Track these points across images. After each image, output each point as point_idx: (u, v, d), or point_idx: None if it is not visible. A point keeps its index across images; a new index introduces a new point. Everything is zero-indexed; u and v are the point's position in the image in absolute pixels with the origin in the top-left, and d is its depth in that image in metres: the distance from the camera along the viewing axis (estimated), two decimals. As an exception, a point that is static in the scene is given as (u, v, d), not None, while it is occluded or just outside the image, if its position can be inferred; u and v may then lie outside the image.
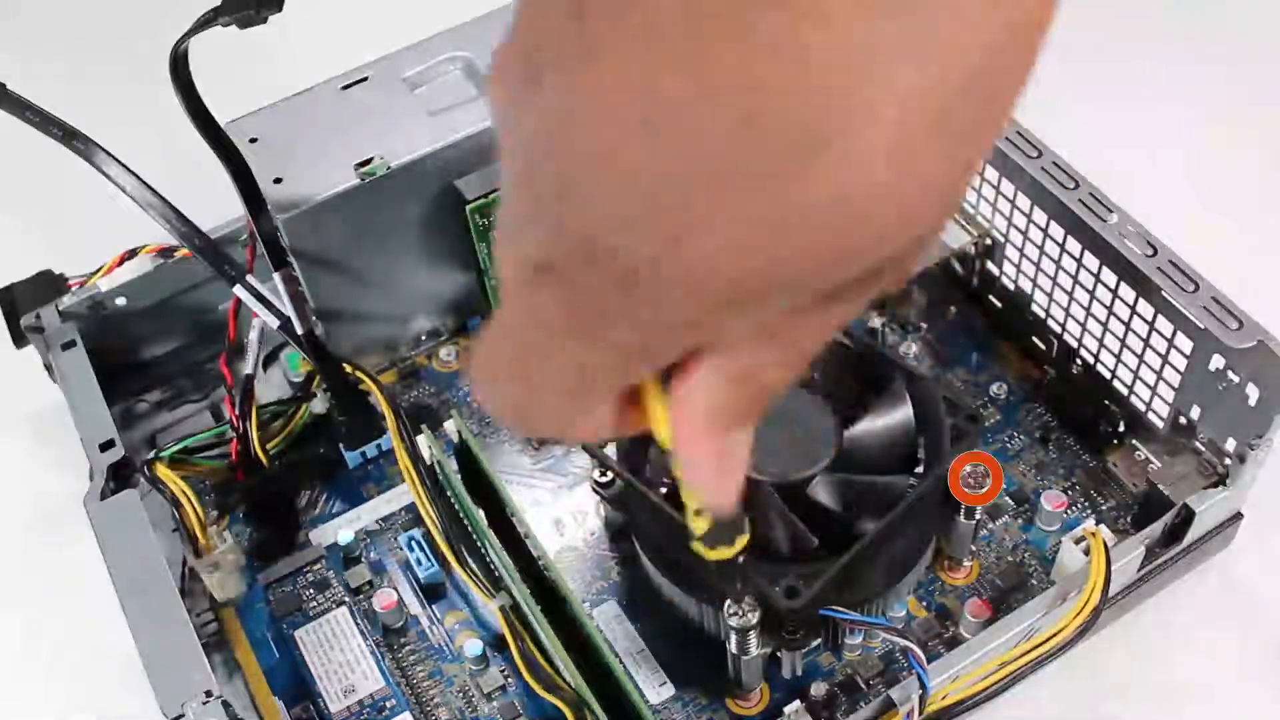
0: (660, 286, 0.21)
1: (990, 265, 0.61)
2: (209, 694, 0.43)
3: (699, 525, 0.35)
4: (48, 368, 0.59)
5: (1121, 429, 0.57)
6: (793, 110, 0.18)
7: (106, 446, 0.53)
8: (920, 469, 0.50)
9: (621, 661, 0.52)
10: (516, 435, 0.28)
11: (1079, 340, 0.57)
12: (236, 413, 0.57)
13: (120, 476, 0.52)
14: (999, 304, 0.62)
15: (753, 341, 0.23)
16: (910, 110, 0.18)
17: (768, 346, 0.24)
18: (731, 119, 0.18)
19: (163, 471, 0.54)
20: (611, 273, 0.21)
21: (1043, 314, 0.59)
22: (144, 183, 0.51)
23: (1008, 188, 0.57)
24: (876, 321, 0.62)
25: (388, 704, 0.53)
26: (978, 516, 0.51)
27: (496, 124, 0.23)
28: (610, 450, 0.52)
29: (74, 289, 0.60)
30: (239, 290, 0.54)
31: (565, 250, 0.22)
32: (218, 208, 0.58)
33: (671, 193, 0.19)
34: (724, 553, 0.36)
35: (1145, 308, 0.52)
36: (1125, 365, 0.55)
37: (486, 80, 0.23)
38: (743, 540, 0.36)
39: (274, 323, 0.55)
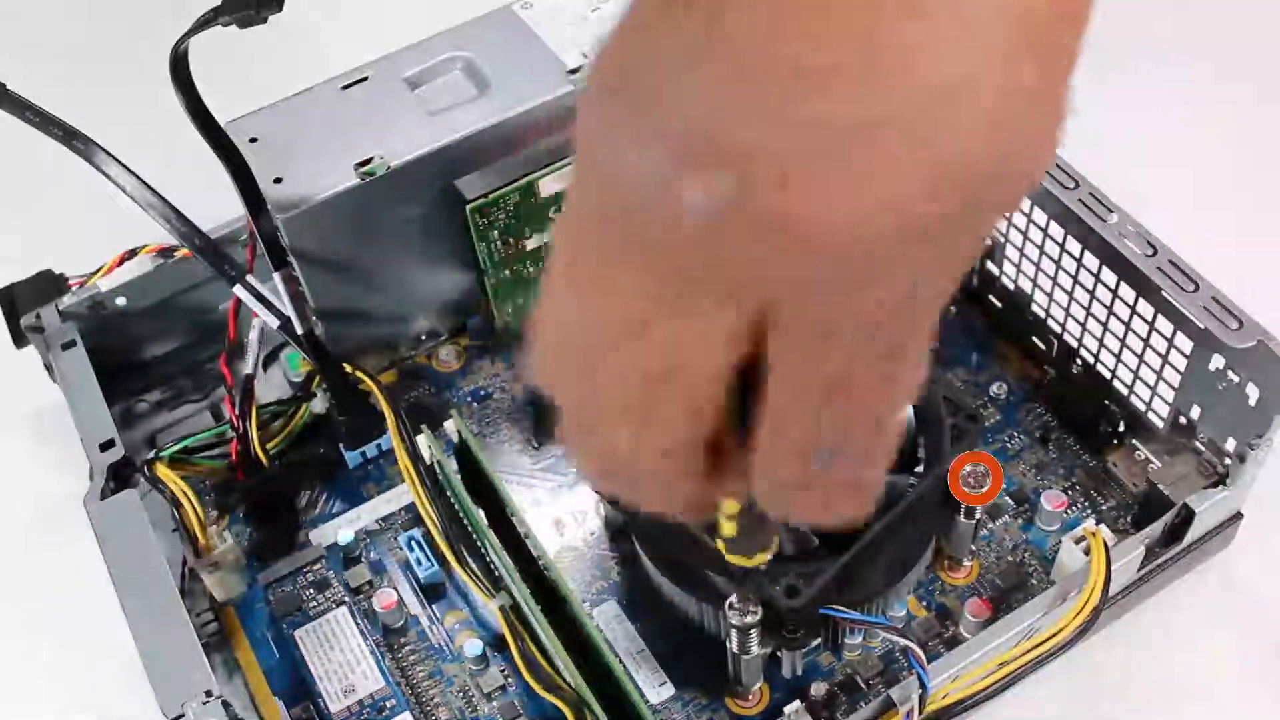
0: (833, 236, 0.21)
1: (990, 265, 0.61)
2: (209, 694, 0.43)
3: (728, 529, 0.35)
4: (48, 368, 0.59)
5: (1121, 429, 0.57)
6: (932, 64, 0.20)
7: (106, 446, 0.53)
8: (920, 469, 0.50)
9: (621, 661, 0.52)
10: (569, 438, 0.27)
11: (1079, 340, 0.57)
12: (236, 413, 0.57)
13: (120, 476, 0.52)
14: (999, 304, 0.62)
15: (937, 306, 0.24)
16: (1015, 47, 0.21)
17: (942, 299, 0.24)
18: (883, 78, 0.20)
19: (163, 471, 0.54)
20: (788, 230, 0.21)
21: (1043, 314, 0.59)
22: (144, 183, 0.51)
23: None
24: (876, 321, 0.62)
25: (388, 704, 0.53)
26: (978, 516, 0.51)
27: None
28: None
29: (74, 289, 0.60)
30: (239, 290, 0.54)
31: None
32: (218, 208, 0.58)
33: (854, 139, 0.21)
34: (761, 558, 0.37)
35: (1145, 308, 0.52)
36: (1125, 365, 0.55)
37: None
38: (774, 546, 0.37)
39: (274, 323, 0.55)
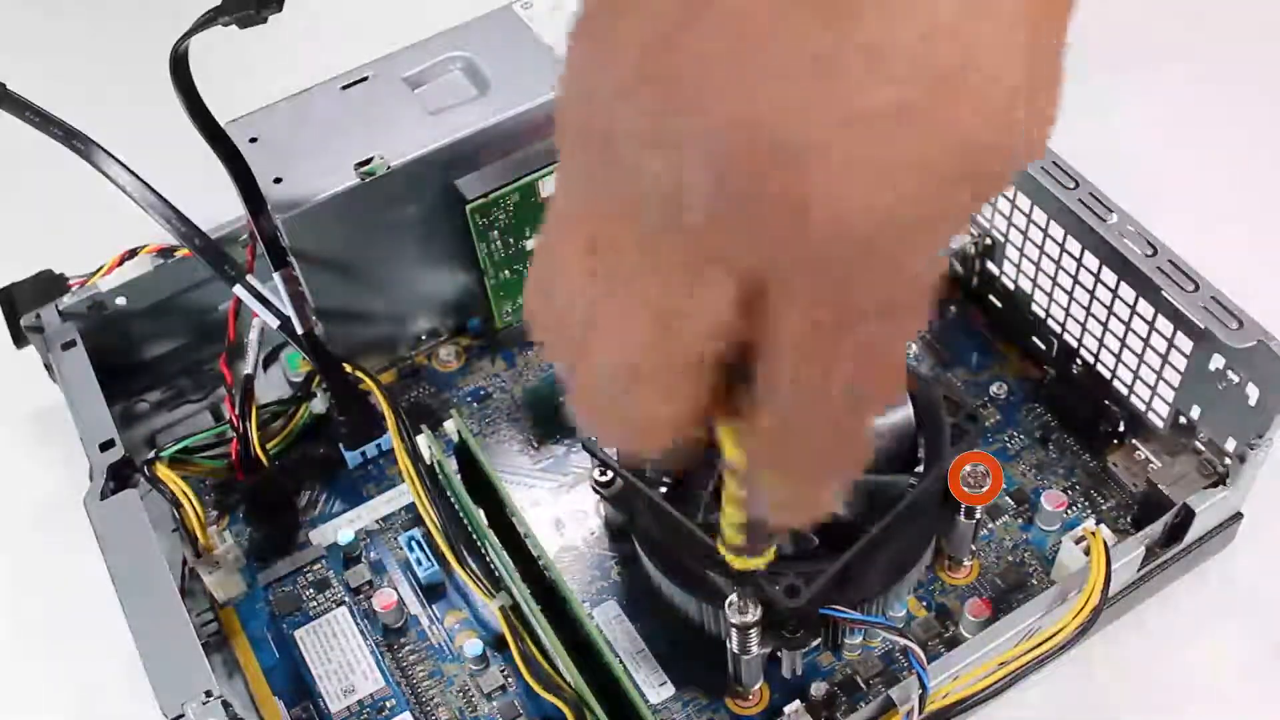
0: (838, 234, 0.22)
1: (990, 265, 0.61)
2: (209, 694, 0.43)
3: (733, 537, 0.35)
4: (48, 368, 0.59)
5: (1121, 429, 0.57)
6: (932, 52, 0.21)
7: (106, 446, 0.53)
8: (920, 469, 0.50)
9: (621, 661, 0.52)
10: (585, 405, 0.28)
11: (1079, 340, 0.57)
12: (236, 413, 0.57)
13: (120, 476, 0.52)
14: (999, 304, 0.62)
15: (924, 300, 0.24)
16: (1017, 23, 0.21)
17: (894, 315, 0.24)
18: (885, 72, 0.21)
19: (163, 471, 0.54)
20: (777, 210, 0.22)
21: (1043, 314, 0.59)
22: (144, 183, 0.51)
23: (1008, 188, 0.57)
24: (876, 321, 0.62)
25: (388, 704, 0.53)
26: (978, 516, 0.51)
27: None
28: (610, 450, 0.52)
29: (74, 289, 0.60)
30: (239, 290, 0.54)
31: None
32: (218, 208, 0.58)
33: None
34: (757, 562, 0.37)
35: (1145, 308, 0.52)
36: (1125, 365, 0.55)
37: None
38: (772, 551, 0.37)
39: (274, 323, 0.55)
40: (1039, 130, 0.23)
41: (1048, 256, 0.57)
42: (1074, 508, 0.56)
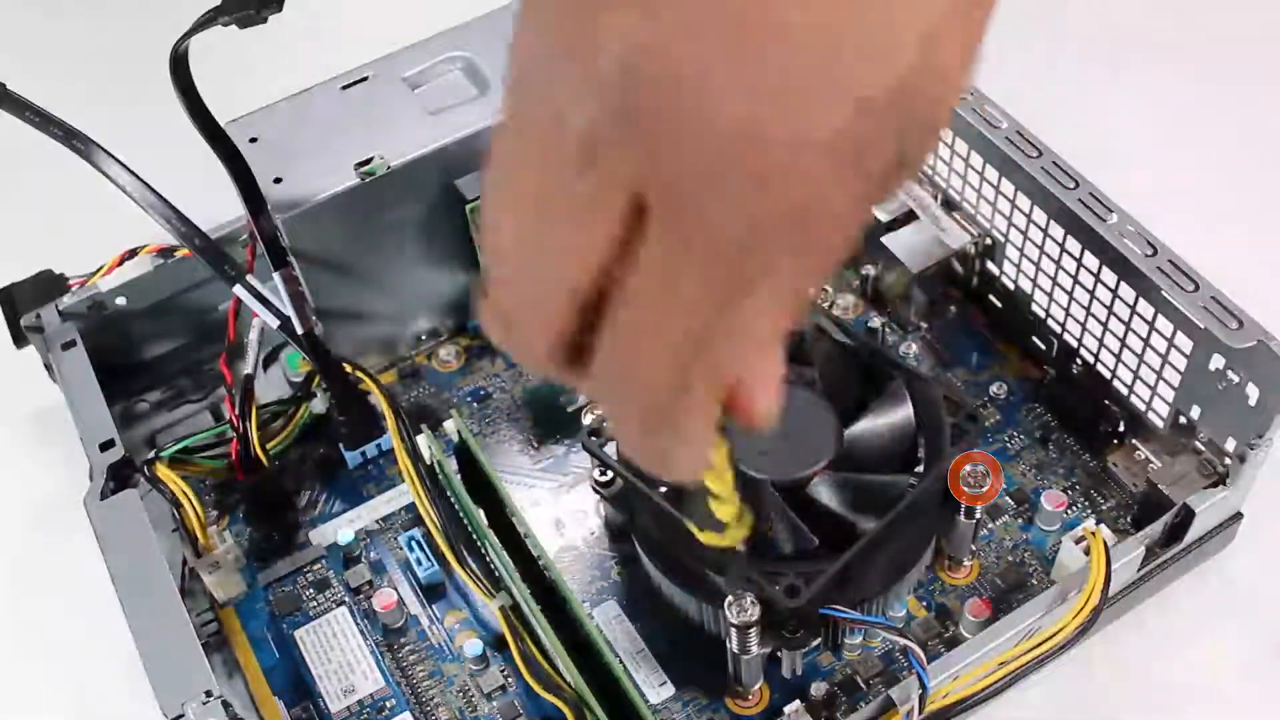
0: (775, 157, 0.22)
1: (990, 265, 0.61)
2: (209, 694, 0.43)
3: (724, 511, 0.35)
4: (48, 368, 0.59)
5: (1121, 429, 0.57)
6: None
7: (106, 446, 0.53)
8: (920, 469, 0.50)
9: (621, 661, 0.52)
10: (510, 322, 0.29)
11: (1079, 340, 0.57)
12: (236, 413, 0.57)
13: (120, 476, 0.52)
14: (999, 304, 0.62)
15: (796, 254, 0.24)
16: None
17: (807, 254, 0.25)
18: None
19: (163, 471, 0.54)
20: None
21: (1043, 314, 0.59)
22: (144, 183, 0.51)
23: (1008, 188, 0.57)
24: (876, 321, 0.62)
25: (388, 704, 0.53)
26: (978, 516, 0.51)
27: None
28: (610, 450, 0.52)
29: (74, 289, 0.60)
30: (239, 290, 0.54)
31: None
32: (218, 208, 0.58)
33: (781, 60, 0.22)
34: (731, 537, 0.37)
35: (1145, 307, 0.52)
36: (1125, 365, 0.55)
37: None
38: (746, 527, 0.37)
39: (274, 323, 0.55)
40: (954, 76, 0.23)
41: (1048, 256, 0.57)
42: (1074, 508, 0.56)
